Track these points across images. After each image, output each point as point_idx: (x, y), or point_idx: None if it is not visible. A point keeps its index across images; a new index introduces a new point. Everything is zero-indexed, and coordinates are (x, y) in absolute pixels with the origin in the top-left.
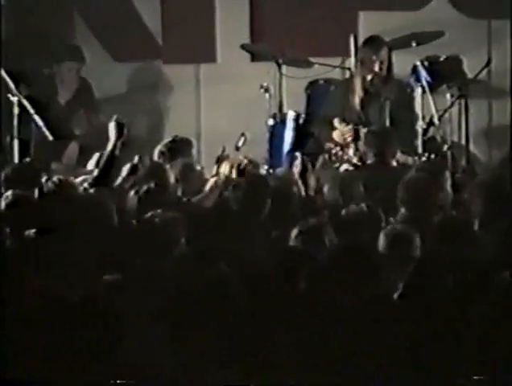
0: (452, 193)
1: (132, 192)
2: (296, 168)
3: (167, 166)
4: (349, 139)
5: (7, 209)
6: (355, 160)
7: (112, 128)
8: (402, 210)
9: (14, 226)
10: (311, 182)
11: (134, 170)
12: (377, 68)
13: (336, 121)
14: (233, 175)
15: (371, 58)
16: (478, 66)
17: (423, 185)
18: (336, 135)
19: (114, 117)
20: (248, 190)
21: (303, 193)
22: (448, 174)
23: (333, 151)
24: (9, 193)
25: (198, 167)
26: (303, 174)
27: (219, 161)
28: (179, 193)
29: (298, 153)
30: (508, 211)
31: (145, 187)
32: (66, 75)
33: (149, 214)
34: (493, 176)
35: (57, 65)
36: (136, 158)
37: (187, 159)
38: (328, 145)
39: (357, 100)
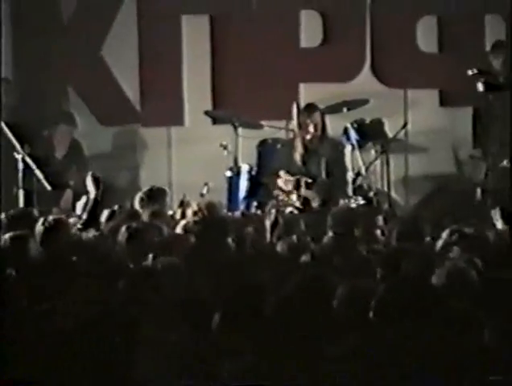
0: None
1: (123, 229)
2: (269, 221)
3: (141, 211)
4: (291, 187)
5: (6, 247)
6: (298, 204)
7: (89, 181)
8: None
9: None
10: (277, 232)
11: (111, 216)
12: (311, 130)
13: (281, 173)
14: (195, 218)
15: (307, 121)
16: (397, 127)
17: (348, 215)
18: (281, 183)
19: (90, 172)
20: (208, 229)
21: (268, 239)
22: (380, 217)
23: (280, 197)
24: (7, 235)
25: (170, 212)
26: (274, 225)
27: (181, 205)
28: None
29: (273, 210)
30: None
31: (134, 225)
32: (61, 136)
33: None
34: (410, 217)
35: (54, 128)
36: (116, 207)
37: (160, 205)
38: (276, 192)
39: (298, 156)
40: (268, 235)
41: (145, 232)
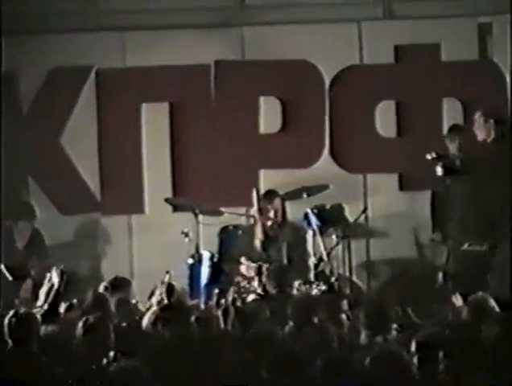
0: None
1: (80, 324)
2: (220, 310)
3: (108, 297)
4: (253, 274)
5: None
6: (259, 290)
7: (54, 273)
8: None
9: None
10: (230, 317)
11: (69, 308)
12: (271, 215)
13: (242, 259)
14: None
15: (268, 207)
16: (357, 212)
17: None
18: (243, 269)
19: (55, 266)
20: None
21: (222, 325)
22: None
23: (241, 284)
24: None
25: (133, 301)
26: (225, 314)
27: (151, 295)
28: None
29: (223, 300)
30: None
31: (91, 319)
32: (22, 228)
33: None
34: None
35: (14, 221)
36: (74, 301)
37: (125, 294)
38: (237, 278)
39: (258, 243)
40: (222, 322)
41: (104, 326)
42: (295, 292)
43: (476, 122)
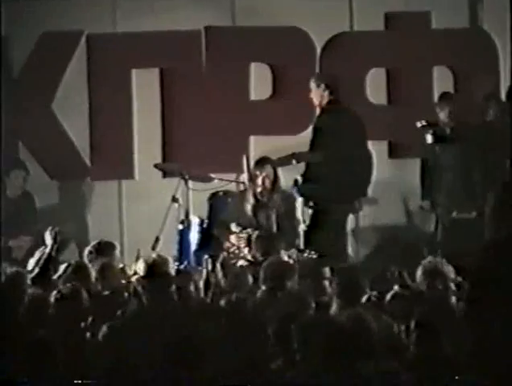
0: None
1: (54, 292)
2: (201, 279)
3: (90, 266)
4: (243, 245)
5: None
6: (249, 257)
7: (47, 235)
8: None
9: None
10: (211, 290)
11: (66, 270)
12: (260, 182)
13: (233, 226)
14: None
15: (257, 173)
16: None
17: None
18: (233, 238)
19: (50, 227)
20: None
21: (202, 295)
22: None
23: (231, 250)
24: None
25: (121, 265)
26: (207, 284)
27: (137, 259)
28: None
29: (204, 270)
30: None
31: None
32: (14, 177)
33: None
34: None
35: (6, 173)
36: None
37: (109, 259)
38: (228, 245)
39: (249, 208)
40: (202, 293)
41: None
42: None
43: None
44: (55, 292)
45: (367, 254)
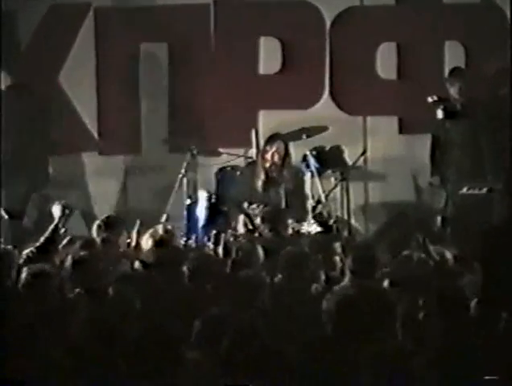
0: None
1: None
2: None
3: (98, 240)
4: (251, 227)
5: None
6: (256, 234)
7: (55, 208)
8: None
9: None
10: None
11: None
12: (269, 157)
13: (245, 205)
14: (150, 245)
15: (267, 148)
16: (356, 154)
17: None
18: (241, 219)
19: (57, 201)
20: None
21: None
22: (338, 244)
23: (240, 232)
24: None
25: (128, 240)
26: (226, 253)
27: (138, 233)
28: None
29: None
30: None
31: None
32: None
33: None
34: (366, 244)
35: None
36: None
37: (117, 234)
38: (235, 222)
39: (259, 184)
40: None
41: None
42: (290, 232)
43: None
44: (69, 261)
45: (376, 230)
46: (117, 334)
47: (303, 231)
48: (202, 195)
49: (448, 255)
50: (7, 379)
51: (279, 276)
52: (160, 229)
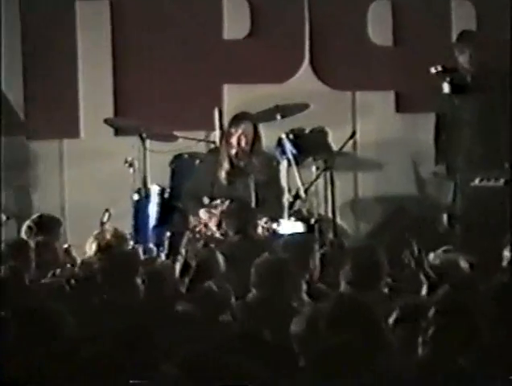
0: (319, 267)
1: None
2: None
3: (31, 243)
4: (214, 222)
5: None
6: (218, 234)
7: None
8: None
9: None
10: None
11: None
12: (235, 142)
13: (205, 200)
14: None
15: (232, 131)
16: (343, 138)
17: (275, 268)
18: (202, 213)
19: None
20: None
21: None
22: (316, 247)
23: (197, 229)
24: None
25: (65, 245)
26: (184, 269)
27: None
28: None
29: (183, 250)
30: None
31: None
32: None
33: None
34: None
35: None
36: None
37: (52, 236)
38: (194, 220)
39: (223, 175)
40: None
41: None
42: (260, 232)
43: None
44: None
45: (367, 232)
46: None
47: (279, 230)
48: (153, 189)
49: (463, 263)
50: None
51: (253, 292)
52: (108, 232)
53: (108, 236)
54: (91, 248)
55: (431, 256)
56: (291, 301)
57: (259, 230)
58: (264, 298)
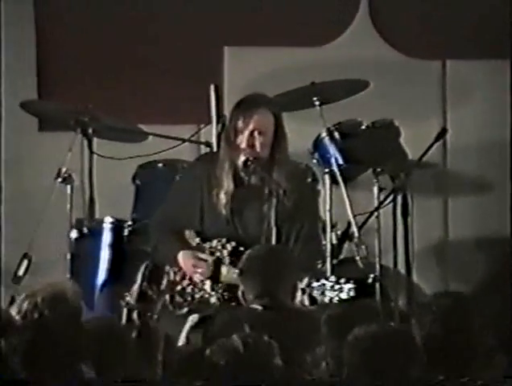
0: None
1: None
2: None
3: None
4: (202, 275)
5: None
6: (213, 300)
7: None
8: None
9: None
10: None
11: None
12: (245, 142)
13: (187, 234)
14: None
15: (241, 125)
16: (425, 139)
17: None
18: (186, 260)
19: None
20: None
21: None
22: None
23: (178, 288)
24: None
25: None
26: None
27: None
28: None
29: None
30: None
31: None
32: None
33: None
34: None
35: None
36: None
37: None
38: (172, 271)
39: (222, 198)
40: None
41: None
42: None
43: None
44: None
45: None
46: None
47: (318, 298)
48: (105, 221)
49: None
50: None
51: None
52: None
53: (39, 298)
54: (21, 309)
55: None
56: None
57: (297, 297)
58: None
